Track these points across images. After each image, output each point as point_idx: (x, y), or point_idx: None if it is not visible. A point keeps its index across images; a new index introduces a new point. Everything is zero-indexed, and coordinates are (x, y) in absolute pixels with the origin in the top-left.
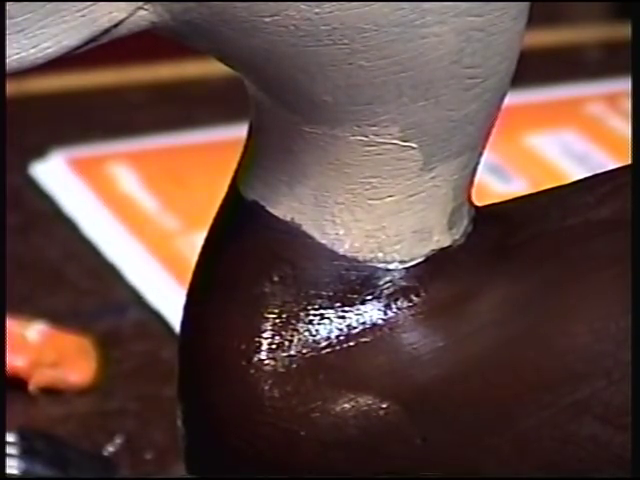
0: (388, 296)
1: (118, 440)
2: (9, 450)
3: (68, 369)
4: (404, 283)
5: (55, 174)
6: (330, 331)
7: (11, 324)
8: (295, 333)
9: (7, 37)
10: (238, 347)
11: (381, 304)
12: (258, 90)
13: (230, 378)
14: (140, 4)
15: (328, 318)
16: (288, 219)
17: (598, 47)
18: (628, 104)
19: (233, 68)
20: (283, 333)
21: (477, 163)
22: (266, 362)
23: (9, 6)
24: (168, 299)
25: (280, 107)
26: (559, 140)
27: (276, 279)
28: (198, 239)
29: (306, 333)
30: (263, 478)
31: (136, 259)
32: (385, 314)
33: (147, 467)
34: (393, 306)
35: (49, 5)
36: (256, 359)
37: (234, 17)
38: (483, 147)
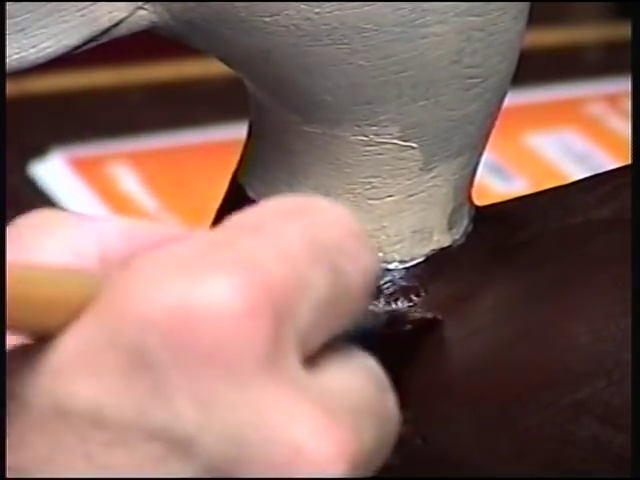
0: (388, 296)
1: None
2: None
3: None
4: (404, 283)
5: (55, 174)
6: None
7: None
8: None
9: (7, 37)
10: None
11: (381, 304)
12: (258, 90)
13: None
14: (140, 4)
15: None
16: None
17: (598, 47)
18: (628, 104)
19: (233, 68)
20: None
21: (477, 163)
22: None
23: (9, 6)
24: None
25: (280, 107)
26: (559, 140)
27: None
28: None
29: None
30: (262, 478)
31: None
32: (385, 314)
33: None
34: (393, 306)
35: (49, 5)
36: None
37: (234, 17)
38: (483, 147)
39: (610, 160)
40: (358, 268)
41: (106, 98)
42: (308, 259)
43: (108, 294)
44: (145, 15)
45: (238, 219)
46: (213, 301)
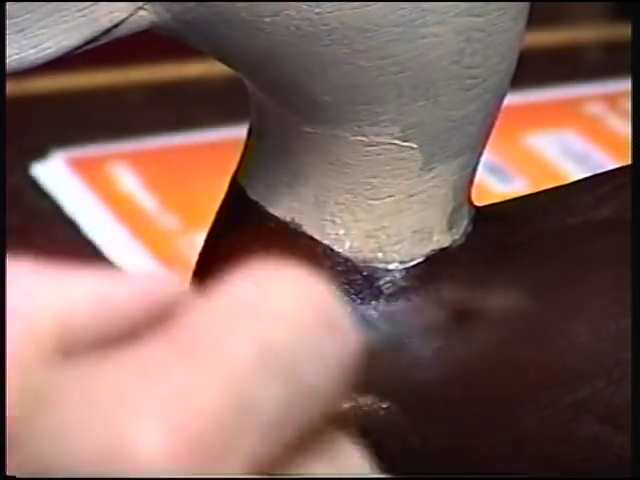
0: (388, 296)
1: None
2: None
3: None
4: (404, 283)
5: (55, 174)
6: None
7: None
8: None
9: (7, 37)
10: None
11: (381, 304)
12: (258, 90)
13: None
14: (140, 4)
15: None
16: (288, 219)
17: (598, 47)
18: (628, 104)
19: (233, 68)
20: None
21: (477, 163)
22: None
23: (9, 6)
24: None
25: (280, 107)
26: (559, 140)
27: None
28: (198, 239)
29: None
30: (260, 478)
31: (136, 259)
32: (385, 314)
33: None
34: (393, 306)
35: (49, 5)
36: None
37: (234, 17)
38: (483, 147)
39: (610, 160)
40: (329, 360)
41: (106, 98)
42: (259, 377)
43: (29, 439)
44: (146, 15)
45: (183, 327)
46: (138, 454)
